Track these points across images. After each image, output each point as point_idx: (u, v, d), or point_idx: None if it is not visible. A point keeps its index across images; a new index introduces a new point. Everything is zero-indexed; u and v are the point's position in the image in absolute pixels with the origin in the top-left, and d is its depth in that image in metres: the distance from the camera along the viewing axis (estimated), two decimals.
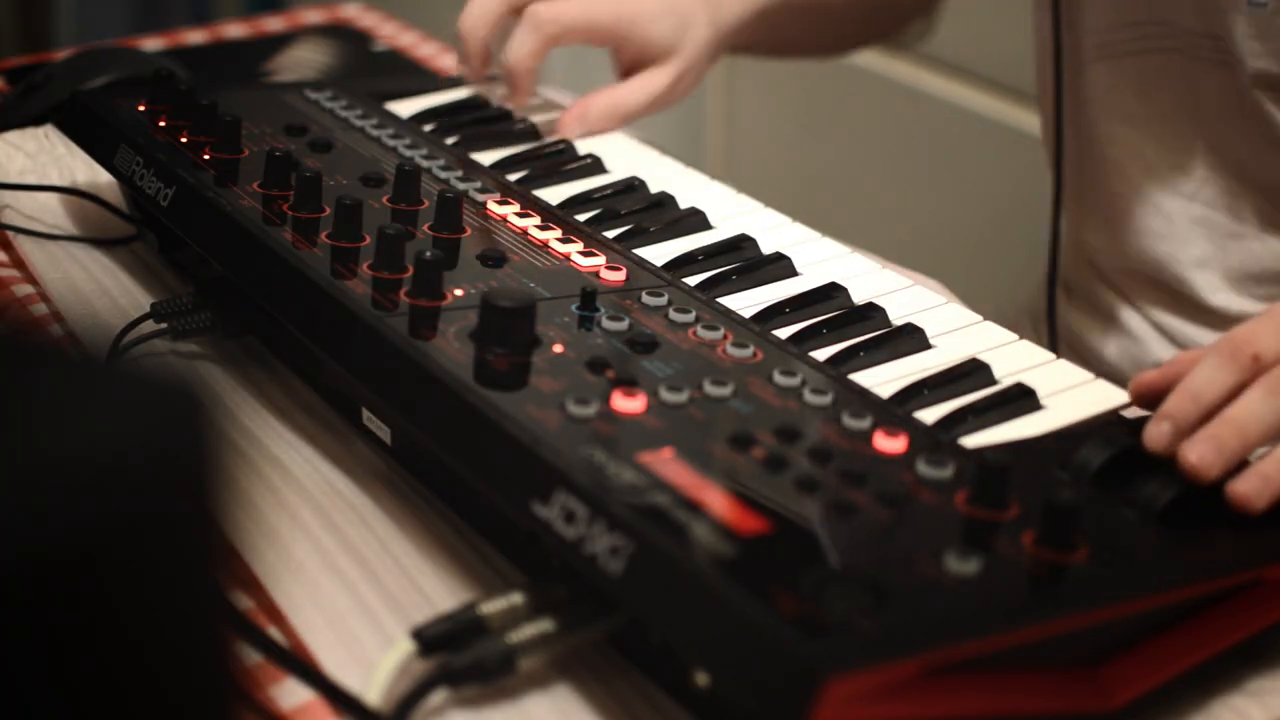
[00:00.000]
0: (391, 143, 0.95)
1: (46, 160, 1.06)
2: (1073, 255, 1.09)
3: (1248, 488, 0.64)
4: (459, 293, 0.74)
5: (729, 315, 0.77)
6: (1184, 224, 1.01)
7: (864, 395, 0.71)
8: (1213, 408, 0.67)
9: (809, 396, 0.69)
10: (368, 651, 0.64)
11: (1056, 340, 1.05)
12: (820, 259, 0.85)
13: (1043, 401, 0.72)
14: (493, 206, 0.87)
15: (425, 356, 0.68)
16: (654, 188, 0.92)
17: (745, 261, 0.83)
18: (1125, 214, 1.03)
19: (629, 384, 0.67)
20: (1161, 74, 0.97)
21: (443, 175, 0.91)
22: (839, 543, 0.59)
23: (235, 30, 1.37)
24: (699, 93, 2.43)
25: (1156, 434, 0.67)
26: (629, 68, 1.04)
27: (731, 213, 0.90)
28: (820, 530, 0.60)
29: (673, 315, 0.75)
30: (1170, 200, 1.01)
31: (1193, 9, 0.94)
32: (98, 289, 0.92)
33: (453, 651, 0.61)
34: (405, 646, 0.61)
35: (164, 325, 0.83)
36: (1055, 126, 1.03)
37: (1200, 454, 0.65)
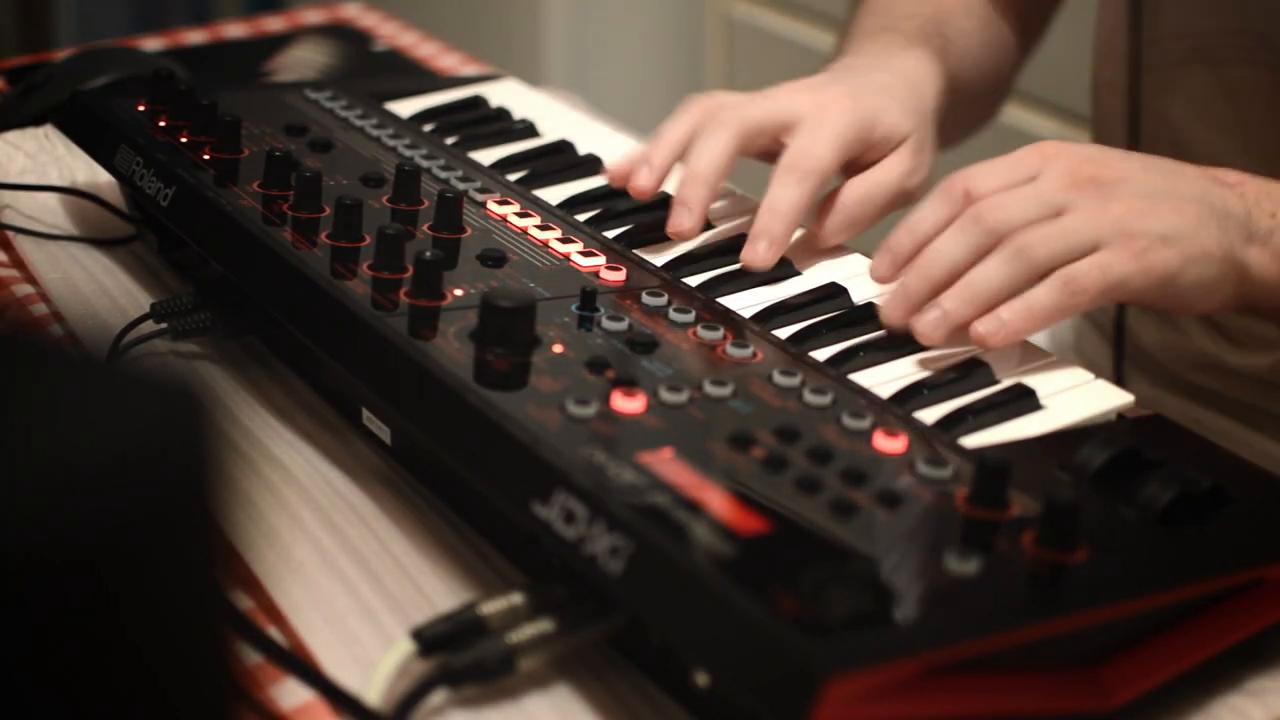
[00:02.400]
0: (391, 143, 0.95)
1: (46, 160, 1.06)
2: None
3: (985, 328, 0.73)
4: (459, 293, 0.74)
5: (729, 315, 0.77)
6: None
7: (864, 395, 0.71)
8: (928, 240, 0.76)
9: (809, 396, 0.69)
10: (368, 651, 0.64)
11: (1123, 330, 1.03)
12: (820, 259, 0.85)
13: (1043, 401, 0.72)
14: (493, 206, 0.87)
15: (425, 356, 0.68)
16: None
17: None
18: None
19: (629, 384, 0.67)
20: (1254, 86, 0.96)
21: (443, 175, 0.91)
22: (839, 543, 0.59)
23: (235, 30, 1.37)
24: (698, 92, 2.43)
25: (876, 265, 0.78)
26: (866, 166, 0.89)
27: (731, 213, 0.90)
28: (820, 530, 0.60)
29: (673, 315, 0.75)
30: None
31: None
32: (98, 289, 0.92)
33: (453, 651, 0.61)
34: (405, 646, 0.61)
35: (164, 325, 0.83)
36: (1129, 124, 1.01)
37: (931, 319, 0.74)
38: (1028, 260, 0.73)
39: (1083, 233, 0.73)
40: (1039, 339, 0.84)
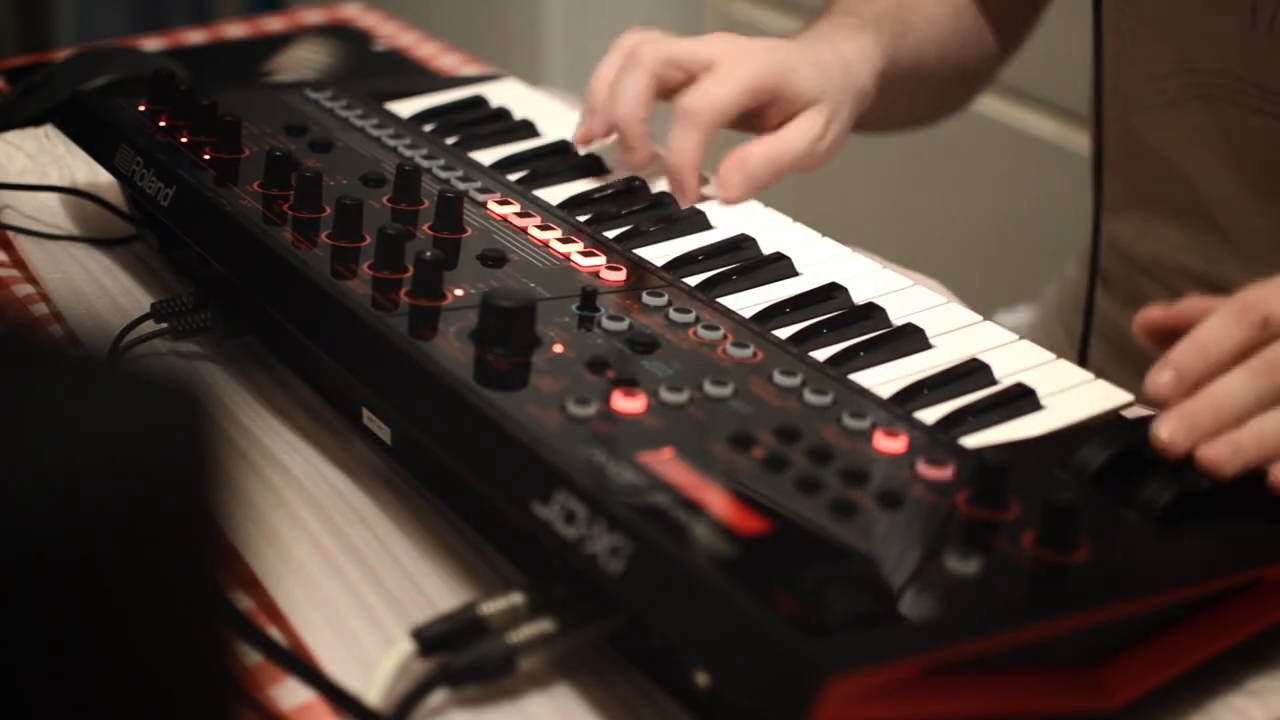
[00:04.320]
0: (391, 143, 0.95)
1: (46, 160, 1.06)
2: (1110, 250, 1.09)
3: (1217, 454, 0.65)
4: (459, 293, 0.74)
5: (729, 315, 0.77)
6: (1254, 240, 1.00)
7: (864, 395, 0.71)
8: (1219, 365, 0.68)
9: (809, 396, 0.69)
10: (368, 651, 0.64)
11: (1090, 330, 1.03)
12: (820, 259, 0.85)
13: (1043, 401, 0.72)
14: (493, 206, 0.87)
15: (425, 356, 0.68)
16: (654, 188, 0.92)
17: (745, 261, 0.83)
18: (1188, 225, 1.02)
19: (629, 384, 0.67)
20: (1246, 125, 0.95)
21: (443, 175, 0.91)
22: (839, 543, 0.59)
23: (235, 30, 1.37)
24: None
25: (1160, 381, 0.68)
26: (774, 125, 0.95)
27: (731, 213, 0.90)
28: (820, 530, 0.60)
29: (673, 315, 0.75)
30: (1235, 218, 0.99)
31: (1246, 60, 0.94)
32: (98, 289, 0.92)
33: (453, 651, 0.61)
34: (405, 646, 0.61)
35: (164, 325, 0.83)
36: (1095, 127, 1.01)
37: (1216, 454, 0.65)
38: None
39: None
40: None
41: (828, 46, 0.96)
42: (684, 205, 0.90)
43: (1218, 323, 0.69)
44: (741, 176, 0.91)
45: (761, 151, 0.92)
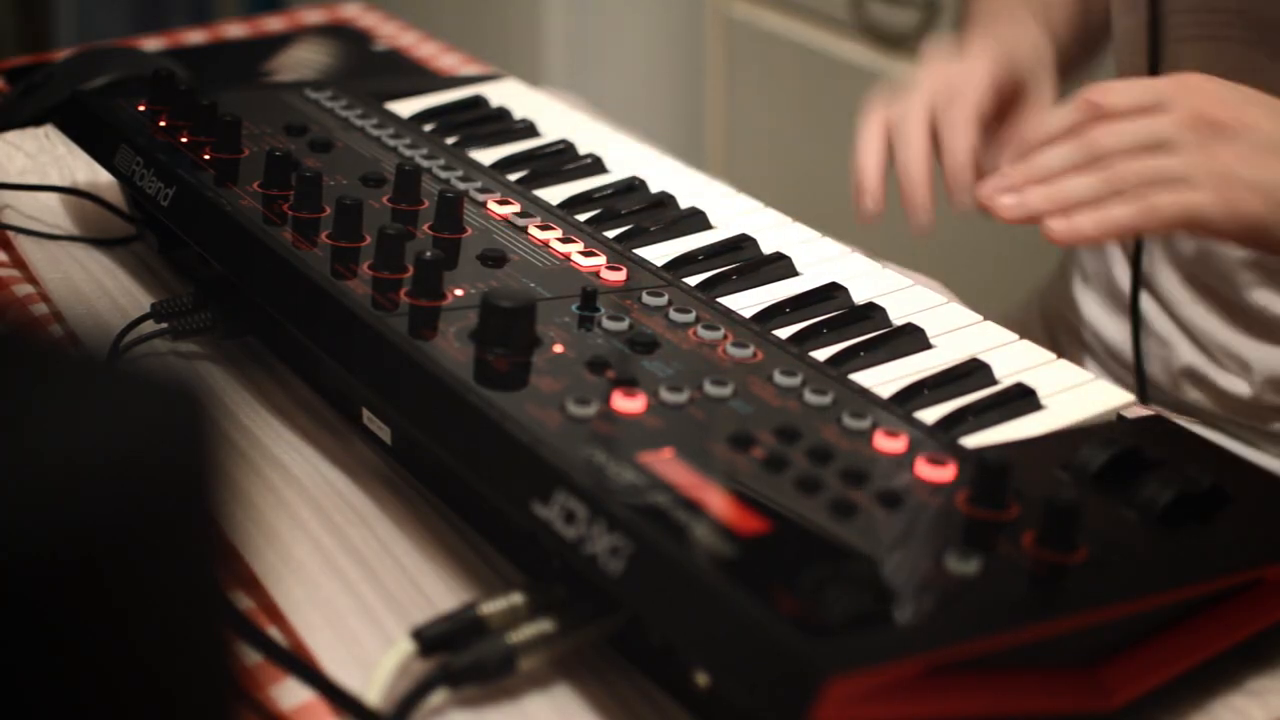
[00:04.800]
0: (391, 143, 0.95)
1: (46, 160, 1.06)
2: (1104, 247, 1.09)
3: (1055, 223, 0.77)
4: (459, 293, 0.74)
5: (729, 315, 0.77)
6: None
7: (864, 395, 0.71)
8: (1048, 140, 0.78)
9: (809, 396, 0.69)
10: (368, 651, 0.64)
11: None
12: (820, 259, 0.85)
13: (1043, 401, 0.72)
14: (493, 206, 0.87)
15: (425, 356, 0.68)
16: (654, 188, 0.92)
17: (745, 261, 0.83)
18: None
19: (629, 384, 0.67)
20: (1250, 65, 0.96)
21: (443, 175, 0.91)
22: (839, 543, 0.59)
23: (235, 30, 1.37)
24: (698, 92, 2.44)
25: (989, 182, 0.79)
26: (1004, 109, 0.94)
27: (731, 213, 0.90)
28: (820, 530, 0.60)
29: (673, 315, 0.75)
30: None
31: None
32: (98, 289, 0.92)
33: (453, 651, 0.61)
34: (405, 646, 0.61)
35: (164, 325, 0.83)
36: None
37: (1010, 201, 0.78)
38: (1116, 183, 0.76)
39: (1177, 171, 0.76)
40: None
41: (1019, 29, 0.97)
42: (959, 210, 0.86)
43: (1058, 112, 0.80)
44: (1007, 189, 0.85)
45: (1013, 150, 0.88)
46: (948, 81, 0.90)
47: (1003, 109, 0.92)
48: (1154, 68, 1.00)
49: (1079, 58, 1.11)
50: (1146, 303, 1.06)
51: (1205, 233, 0.78)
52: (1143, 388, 1.02)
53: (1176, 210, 0.76)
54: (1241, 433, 1.03)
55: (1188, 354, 1.04)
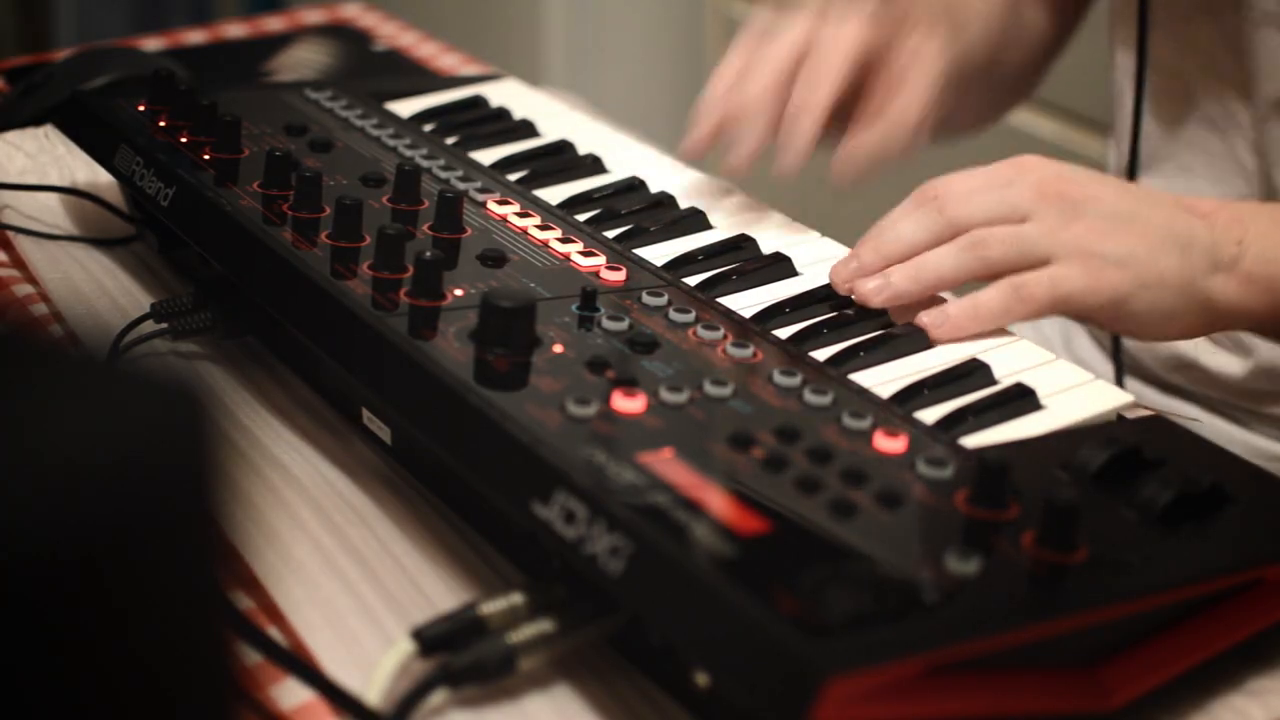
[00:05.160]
0: (391, 143, 0.95)
1: (46, 160, 1.06)
2: None
3: (930, 319, 0.75)
4: (459, 293, 0.74)
5: (729, 315, 0.77)
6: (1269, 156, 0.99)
7: (864, 395, 0.71)
8: (896, 246, 0.77)
9: (809, 396, 0.69)
10: (368, 651, 0.64)
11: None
12: (820, 259, 0.85)
13: (1043, 401, 0.72)
14: (493, 206, 0.87)
15: (425, 356, 0.68)
16: (654, 188, 0.92)
17: (745, 261, 0.83)
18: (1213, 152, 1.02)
19: (629, 384, 0.67)
20: (1252, 40, 0.95)
21: (443, 175, 0.91)
22: (839, 543, 0.59)
23: (235, 30, 1.37)
24: (698, 92, 2.43)
25: (840, 268, 0.78)
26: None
27: (731, 213, 0.90)
28: (820, 530, 0.60)
29: (673, 315, 0.75)
30: (1246, 135, 0.99)
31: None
32: (98, 289, 0.92)
33: (453, 651, 0.61)
34: (405, 646, 0.61)
35: (164, 325, 0.83)
36: (1136, 81, 1.00)
37: (873, 286, 0.77)
38: (980, 254, 0.75)
39: (1039, 243, 0.75)
40: (1032, 335, 0.84)
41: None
42: (787, 162, 0.85)
43: (899, 208, 0.79)
44: (851, 167, 0.87)
45: (870, 139, 0.87)
46: (816, 42, 0.87)
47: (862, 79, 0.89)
48: (1142, 53, 0.99)
49: (983, 68, 1.06)
50: None
51: (1072, 312, 0.76)
52: (1120, 372, 1.01)
53: (1046, 288, 0.74)
54: (1234, 413, 1.03)
55: (1193, 349, 1.04)
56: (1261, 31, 0.94)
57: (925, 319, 0.75)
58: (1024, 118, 1.76)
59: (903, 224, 0.78)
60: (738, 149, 0.86)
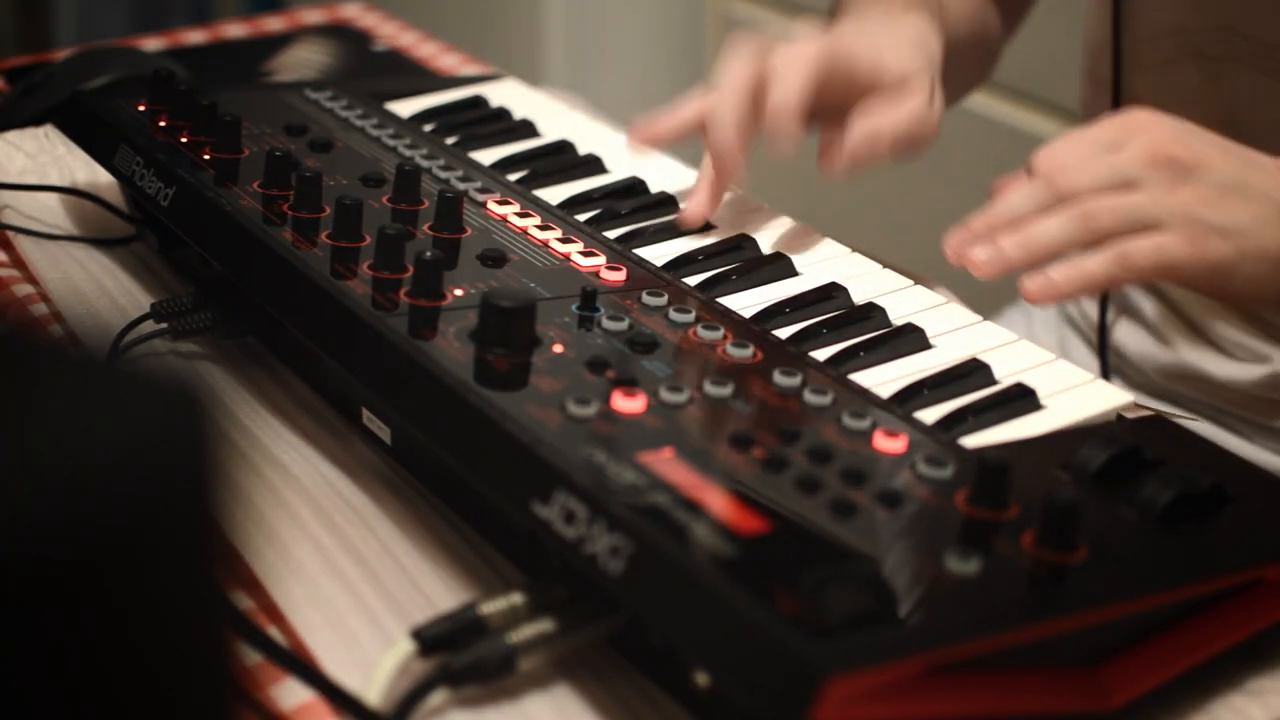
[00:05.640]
0: (391, 143, 0.95)
1: (46, 160, 1.06)
2: None
3: (1033, 283, 0.75)
4: (459, 293, 0.74)
5: (729, 315, 0.77)
6: None
7: (864, 395, 0.71)
8: (1007, 217, 0.76)
9: (809, 396, 0.69)
10: (368, 651, 0.64)
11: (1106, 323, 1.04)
12: (820, 259, 0.85)
13: (1043, 401, 0.72)
14: (493, 206, 0.87)
15: (425, 356, 0.68)
16: (654, 188, 0.92)
17: (745, 261, 0.83)
18: None
19: (629, 384, 0.67)
20: (1241, 82, 0.96)
21: (443, 175, 0.91)
22: (839, 543, 0.59)
23: (235, 30, 1.37)
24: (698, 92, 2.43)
25: (952, 236, 0.77)
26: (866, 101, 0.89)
27: (731, 213, 0.90)
28: (820, 530, 0.60)
29: (673, 315, 0.75)
30: None
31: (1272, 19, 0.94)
32: (98, 289, 0.92)
33: (453, 651, 0.61)
34: (405, 646, 0.61)
35: (164, 325, 0.83)
36: (1113, 86, 1.01)
37: (985, 256, 0.76)
38: (1089, 225, 0.75)
39: (1147, 210, 0.75)
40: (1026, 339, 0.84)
41: (900, 28, 0.91)
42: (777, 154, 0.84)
43: (1013, 183, 0.78)
44: (848, 160, 0.85)
45: (861, 132, 0.85)
46: (774, 55, 0.86)
47: (845, 97, 0.87)
48: (1117, 91, 1.00)
49: (973, 58, 1.08)
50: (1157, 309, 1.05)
51: (1174, 279, 0.77)
52: (1105, 367, 1.01)
53: (1151, 256, 0.74)
54: (1234, 424, 1.03)
55: (1185, 351, 1.04)
56: (1245, 73, 0.94)
57: (1029, 283, 0.75)
58: (1020, 115, 1.76)
59: (1014, 195, 0.78)
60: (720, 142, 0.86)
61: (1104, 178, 0.76)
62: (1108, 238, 0.75)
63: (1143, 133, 0.77)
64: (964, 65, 1.06)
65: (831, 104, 0.87)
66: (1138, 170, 0.76)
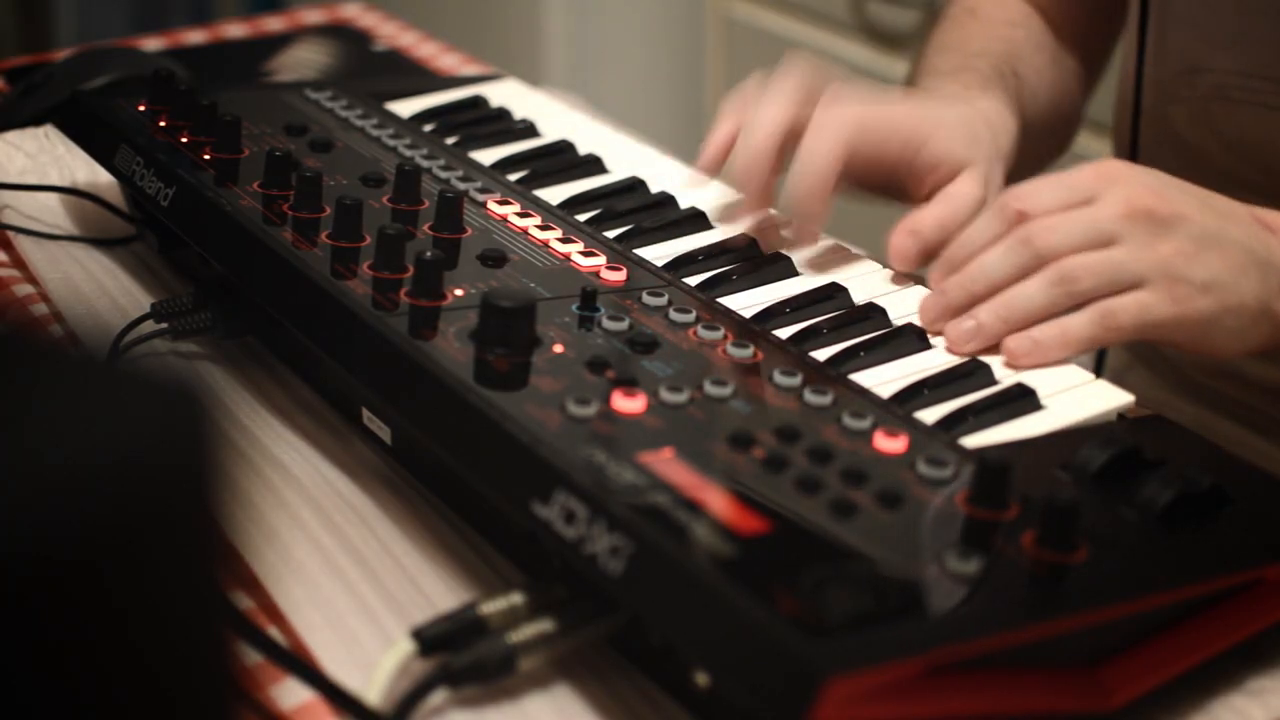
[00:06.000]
0: (391, 143, 0.95)
1: (46, 160, 1.06)
2: None
3: (1017, 346, 0.74)
4: (459, 293, 0.74)
5: (729, 315, 0.77)
6: None
7: (864, 395, 0.71)
8: (976, 253, 0.76)
9: (809, 396, 0.69)
10: (368, 651, 0.64)
11: None
12: (820, 259, 0.85)
13: (1043, 401, 0.72)
14: (493, 206, 0.87)
15: (425, 356, 0.68)
16: (654, 188, 0.92)
17: (745, 261, 0.83)
18: None
19: (629, 384, 0.67)
20: (1269, 126, 0.95)
21: (443, 175, 0.91)
22: (839, 543, 0.59)
23: (235, 30, 1.37)
24: (698, 92, 2.44)
25: (929, 305, 0.77)
26: (922, 191, 0.87)
27: (732, 213, 0.90)
28: (820, 530, 0.60)
29: (673, 315, 0.75)
30: None
31: None
32: (98, 289, 0.92)
33: (453, 651, 0.61)
34: (405, 646, 0.61)
35: (164, 325, 0.83)
36: (1133, 115, 1.00)
37: (964, 331, 0.75)
38: (1069, 287, 0.74)
39: (1128, 268, 0.73)
40: None
41: (967, 107, 0.89)
42: (804, 242, 0.84)
43: (979, 221, 0.77)
44: (916, 240, 0.83)
45: (933, 215, 0.83)
46: (816, 107, 0.84)
47: (875, 170, 0.85)
48: (1135, 125, 0.99)
49: (1050, 132, 1.05)
50: None
51: (1157, 338, 0.75)
52: (1099, 364, 1.01)
53: (1134, 316, 0.73)
54: (1261, 422, 1.02)
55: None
56: (1213, 105, 0.94)
57: (1013, 345, 0.74)
58: None
59: (989, 258, 0.75)
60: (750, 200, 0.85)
61: (1081, 235, 0.74)
62: (1090, 298, 0.74)
63: (1117, 184, 0.75)
64: (1041, 134, 1.03)
65: (860, 172, 0.85)
66: (1115, 225, 0.74)
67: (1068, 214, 0.75)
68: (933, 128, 0.85)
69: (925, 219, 0.83)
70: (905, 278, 0.83)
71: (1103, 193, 0.75)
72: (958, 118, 0.87)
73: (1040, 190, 0.76)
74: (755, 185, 0.84)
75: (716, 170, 0.88)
